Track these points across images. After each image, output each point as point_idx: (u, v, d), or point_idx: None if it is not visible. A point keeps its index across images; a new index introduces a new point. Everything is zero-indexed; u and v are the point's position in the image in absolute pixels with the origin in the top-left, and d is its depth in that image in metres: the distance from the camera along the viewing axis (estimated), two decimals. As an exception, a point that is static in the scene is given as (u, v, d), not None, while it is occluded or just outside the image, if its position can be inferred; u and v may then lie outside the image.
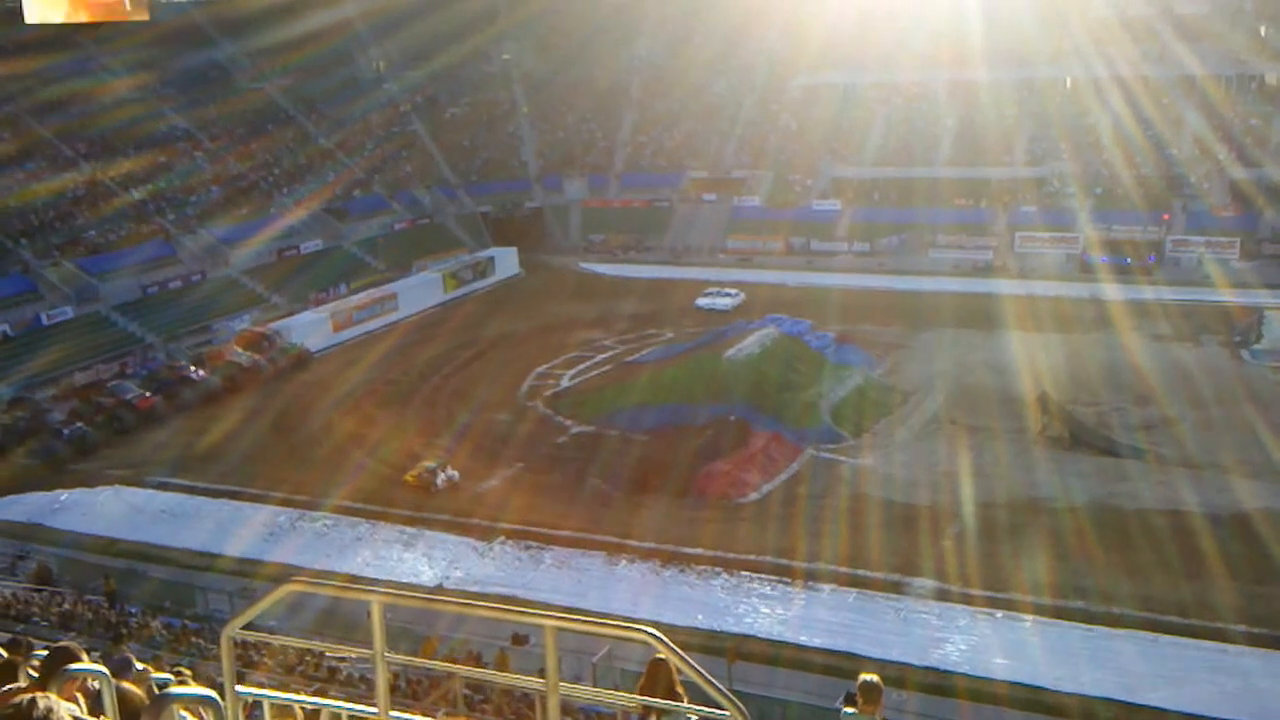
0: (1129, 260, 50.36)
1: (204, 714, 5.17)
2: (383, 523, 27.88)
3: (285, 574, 23.88)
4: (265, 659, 17.81)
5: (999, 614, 22.04)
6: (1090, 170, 56.29)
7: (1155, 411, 33.05)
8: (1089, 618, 21.64)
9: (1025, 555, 24.27)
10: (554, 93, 72.31)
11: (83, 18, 58.69)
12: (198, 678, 10.11)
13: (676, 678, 5.60)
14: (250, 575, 24.94)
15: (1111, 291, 46.34)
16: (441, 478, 30.00)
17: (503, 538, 26.60)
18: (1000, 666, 20.26)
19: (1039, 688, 19.54)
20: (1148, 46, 59.67)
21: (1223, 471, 28.27)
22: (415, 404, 37.20)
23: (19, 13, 55.86)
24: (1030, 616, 21.87)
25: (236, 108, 63.61)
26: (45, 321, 42.39)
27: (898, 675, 19.34)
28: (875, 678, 6.37)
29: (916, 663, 20.44)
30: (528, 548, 26.13)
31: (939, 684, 19.86)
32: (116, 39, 61.63)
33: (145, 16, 62.00)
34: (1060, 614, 21.87)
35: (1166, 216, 51.74)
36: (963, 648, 20.99)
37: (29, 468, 32.71)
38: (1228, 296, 45.41)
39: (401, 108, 70.15)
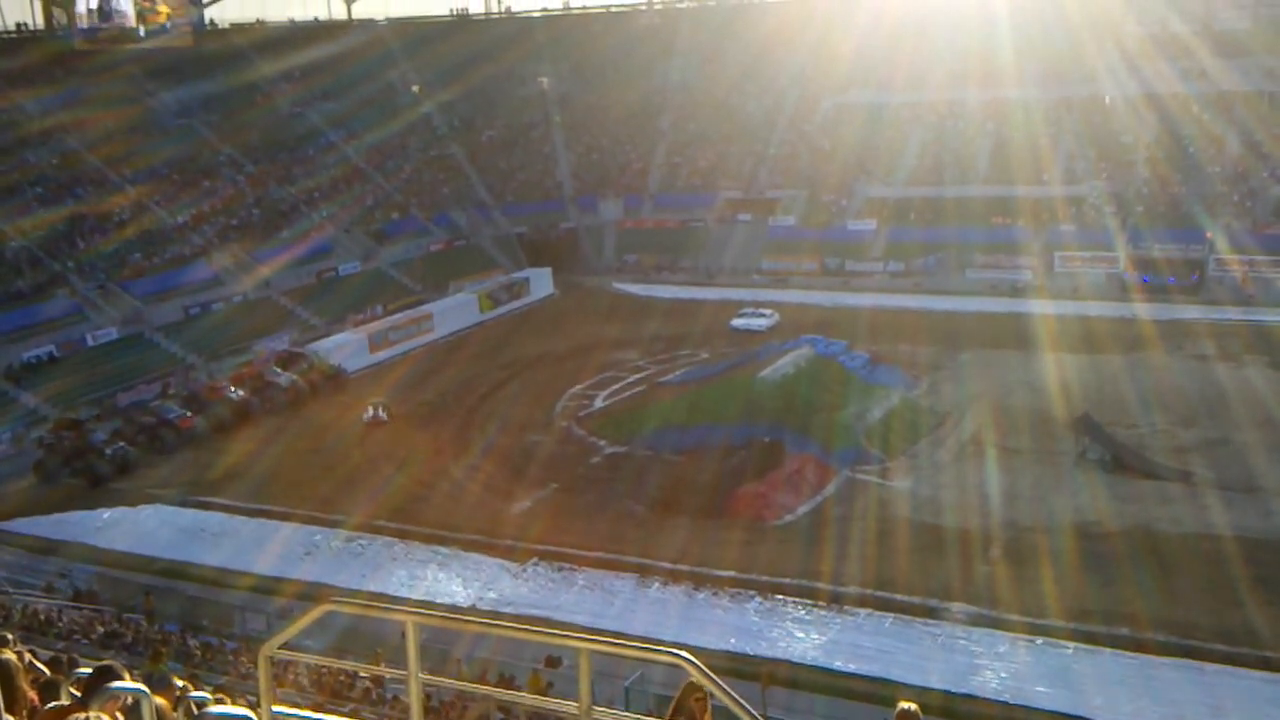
0: (1172, 279, 49.62)
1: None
2: (417, 542, 28.01)
3: (321, 593, 24.06)
4: (296, 676, 17.92)
5: (1039, 640, 21.64)
6: (1129, 189, 55.60)
7: (1198, 434, 32.42)
8: (1132, 645, 21.17)
9: (1066, 580, 23.83)
10: (588, 114, 72.83)
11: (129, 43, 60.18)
12: (234, 696, 10.19)
13: (706, 705, 5.41)
14: (287, 594, 25.12)
15: (1153, 311, 45.62)
16: (369, 413, 36.86)
17: (535, 559, 26.61)
18: (1041, 695, 19.88)
19: (1082, 717, 19.14)
20: (1185, 63, 58.98)
21: (1268, 495, 27.65)
22: (450, 424, 37.39)
23: (65, 37, 57.50)
24: (1072, 643, 21.45)
25: (276, 130, 64.71)
26: (91, 342, 43.22)
27: (936, 703, 19.02)
28: (913, 706, 6.25)
29: (955, 690, 20.11)
30: (560, 569, 26.10)
31: (979, 712, 19.52)
32: (156, 63, 62.98)
33: (189, 42, 63.47)
34: (1103, 641, 21.42)
35: (1209, 235, 50.93)
36: (1002, 675, 20.62)
37: (73, 487, 33.27)
38: (1272, 316, 44.57)
39: (439, 131, 71.03)
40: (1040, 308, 47.37)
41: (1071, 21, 61.41)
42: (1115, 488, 28.76)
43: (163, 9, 60.65)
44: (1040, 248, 53.86)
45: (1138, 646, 21.11)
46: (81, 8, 57.89)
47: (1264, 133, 55.69)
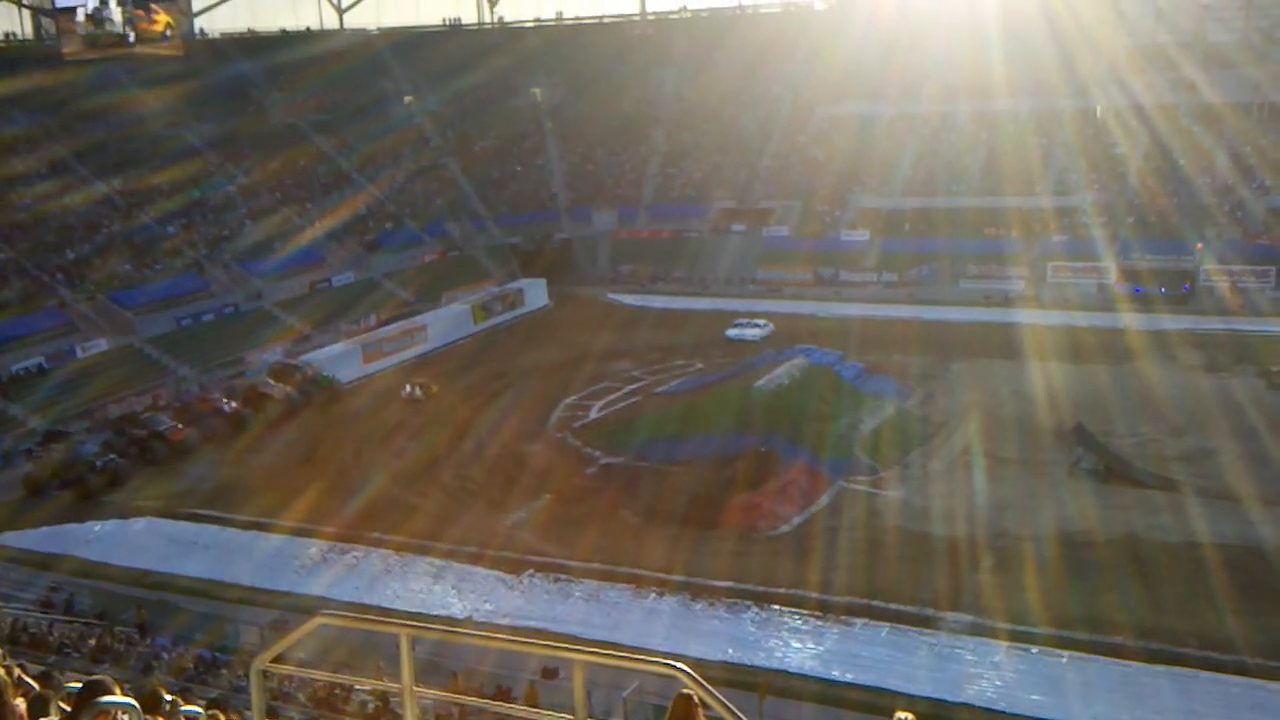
0: (1163, 290, 49.82)
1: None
2: (411, 554, 27.89)
3: (315, 606, 23.91)
4: (291, 689, 17.80)
5: (1034, 649, 21.64)
6: (1121, 200, 55.86)
7: (1191, 443, 32.49)
8: (1126, 654, 21.17)
9: (1060, 590, 23.84)
10: (582, 125, 72.97)
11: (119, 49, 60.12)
12: (226, 710, 10.11)
13: (701, 715, 5.43)
14: (279, 606, 24.97)
15: (1143, 322, 45.79)
16: (406, 391, 40.62)
17: (531, 570, 26.51)
18: (1036, 704, 19.86)
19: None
20: (1175, 76, 59.32)
21: (1260, 504, 27.68)
22: (445, 436, 37.27)
23: (53, 47, 57.37)
24: (1066, 652, 21.45)
25: (267, 140, 64.65)
26: (80, 354, 42.99)
27: (932, 713, 18.99)
28: (910, 716, 6.23)
29: (951, 699, 20.08)
30: (556, 580, 26.01)
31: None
32: (147, 67, 62.89)
33: (179, 52, 63.38)
34: (1096, 650, 21.42)
35: (1200, 246, 51.18)
36: (997, 684, 20.60)
37: (63, 500, 33.04)
38: (1263, 326, 44.73)
39: (431, 141, 71.07)
40: (1032, 318, 47.55)
41: (1063, 34, 61.75)
42: (1104, 497, 28.81)
43: (160, 18, 60.60)
44: (1032, 259, 54.07)
45: (1132, 655, 21.10)
46: (79, 15, 57.87)
47: (1252, 145, 56.07)
